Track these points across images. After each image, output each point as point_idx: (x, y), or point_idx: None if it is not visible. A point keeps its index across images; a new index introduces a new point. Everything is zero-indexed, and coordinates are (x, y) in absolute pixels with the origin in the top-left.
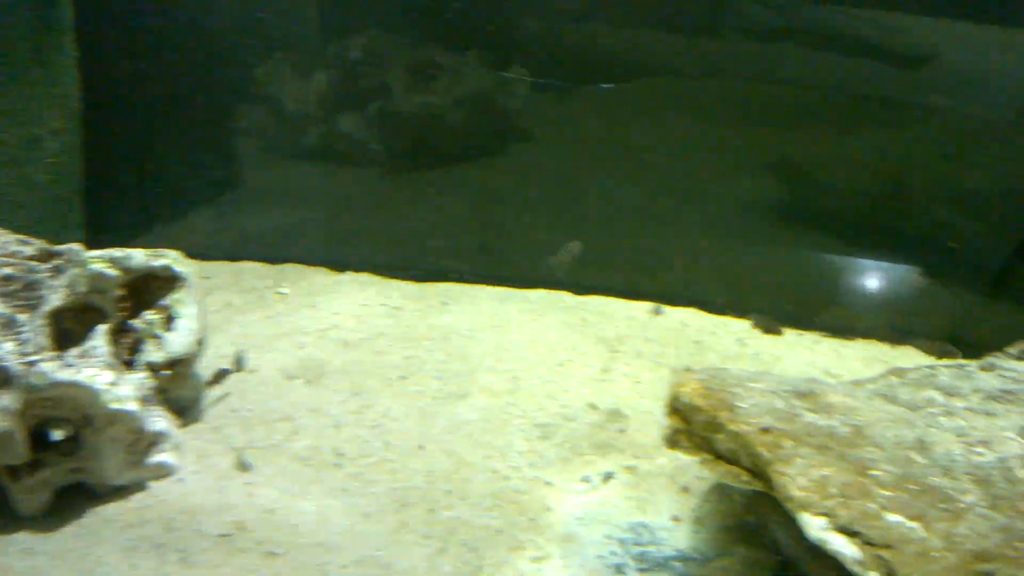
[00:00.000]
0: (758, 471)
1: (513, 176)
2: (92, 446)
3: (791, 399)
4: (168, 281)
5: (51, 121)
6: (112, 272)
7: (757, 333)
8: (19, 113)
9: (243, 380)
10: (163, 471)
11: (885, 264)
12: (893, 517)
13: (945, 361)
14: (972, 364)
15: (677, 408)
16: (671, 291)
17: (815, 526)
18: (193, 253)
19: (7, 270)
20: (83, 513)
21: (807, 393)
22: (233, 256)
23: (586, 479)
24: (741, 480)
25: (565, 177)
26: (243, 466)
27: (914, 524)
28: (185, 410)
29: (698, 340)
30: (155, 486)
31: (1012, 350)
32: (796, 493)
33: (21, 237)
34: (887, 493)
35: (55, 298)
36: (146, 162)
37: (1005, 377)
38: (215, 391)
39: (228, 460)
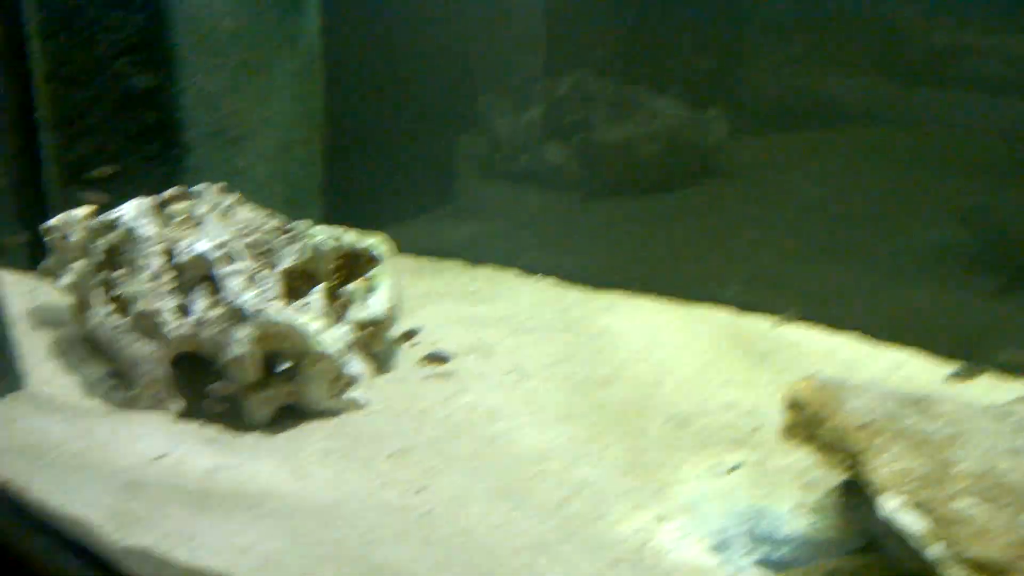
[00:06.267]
0: (851, 461)
1: (698, 205)
2: (304, 376)
3: (900, 405)
4: (372, 259)
5: (300, 132)
6: (329, 245)
7: (914, 363)
8: (275, 122)
9: (428, 350)
10: (355, 405)
11: None
12: (961, 503)
13: None
14: None
15: (793, 403)
16: (836, 320)
17: (889, 506)
18: (407, 250)
19: (255, 236)
20: (294, 427)
21: (918, 401)
22: (441, 256)
23: (715, 466)
24: (837, 469)
25: (742, 209)
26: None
27: (979, 510)
28: (379, 363)
29: (849, 363)
30: (348, 415)
31: None
32: (877, 478)
33: (268, 213)
34: (962, 485)
35: (287, 261)
36: (375, 171)
37: None
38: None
39: (408, 404)
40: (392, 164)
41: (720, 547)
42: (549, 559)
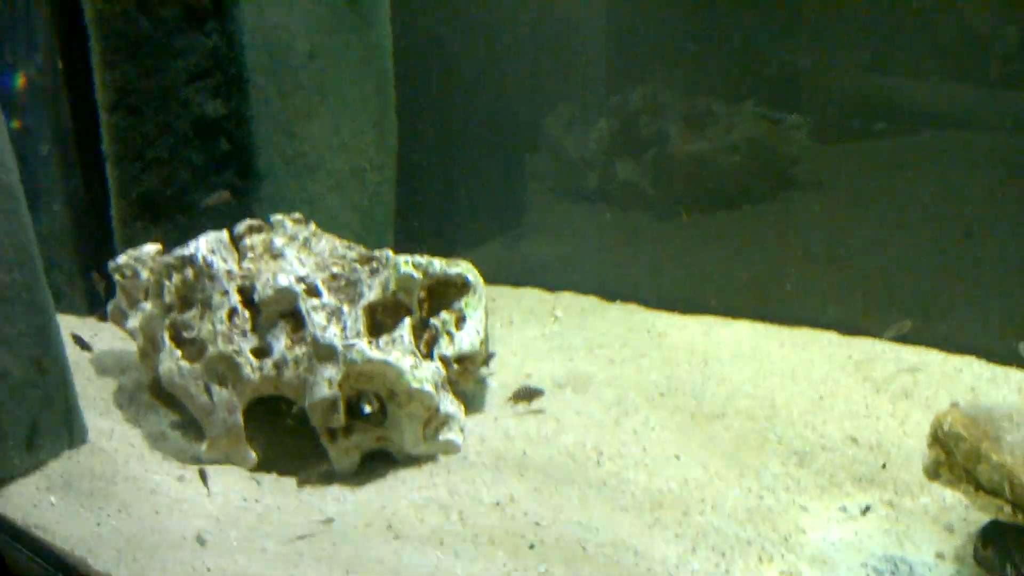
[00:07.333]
0: (1021, 504)
1: (782, 220)
2: (394, 419)
3: None
4: (461, 287)
5: (373, 156)
6: (417, 275)
7: None
8: (349, 147)
9: (519, 384)
10: (451, 448)
11: None
12: None
13: None
14: None
15: (939, 438)
16: (949, 339)
17: None
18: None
19: (335, 269)
20: (384, 475)
21: None
22: (516, 282)
23: (843, 508)
24: (1003, 513)
25: (834, 223)
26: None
27: None
28: (469, 401)
29: (974, 387)
30: (443, 459)
31: None
32: None
33: (347, 243)
34: None
35: (371, 294)
36: (447, 197)
37: None
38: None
39: (505, 446)
40: (462, 187)
41: None
42: None
